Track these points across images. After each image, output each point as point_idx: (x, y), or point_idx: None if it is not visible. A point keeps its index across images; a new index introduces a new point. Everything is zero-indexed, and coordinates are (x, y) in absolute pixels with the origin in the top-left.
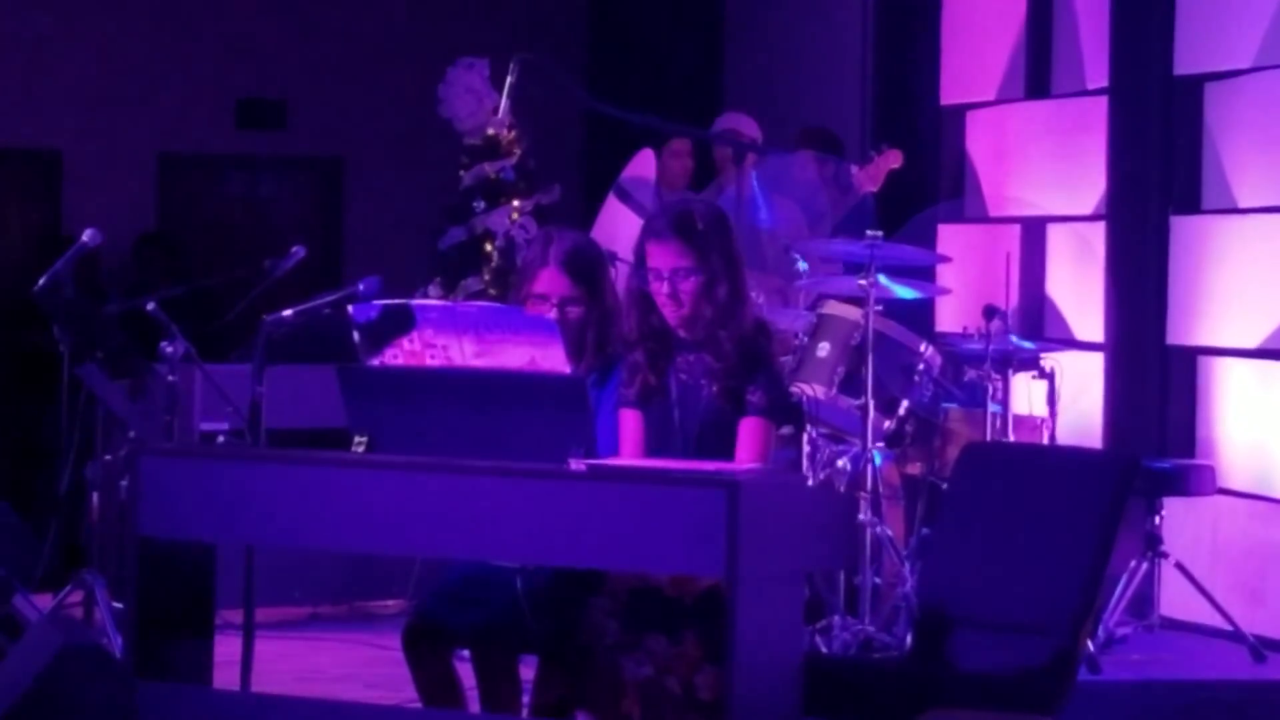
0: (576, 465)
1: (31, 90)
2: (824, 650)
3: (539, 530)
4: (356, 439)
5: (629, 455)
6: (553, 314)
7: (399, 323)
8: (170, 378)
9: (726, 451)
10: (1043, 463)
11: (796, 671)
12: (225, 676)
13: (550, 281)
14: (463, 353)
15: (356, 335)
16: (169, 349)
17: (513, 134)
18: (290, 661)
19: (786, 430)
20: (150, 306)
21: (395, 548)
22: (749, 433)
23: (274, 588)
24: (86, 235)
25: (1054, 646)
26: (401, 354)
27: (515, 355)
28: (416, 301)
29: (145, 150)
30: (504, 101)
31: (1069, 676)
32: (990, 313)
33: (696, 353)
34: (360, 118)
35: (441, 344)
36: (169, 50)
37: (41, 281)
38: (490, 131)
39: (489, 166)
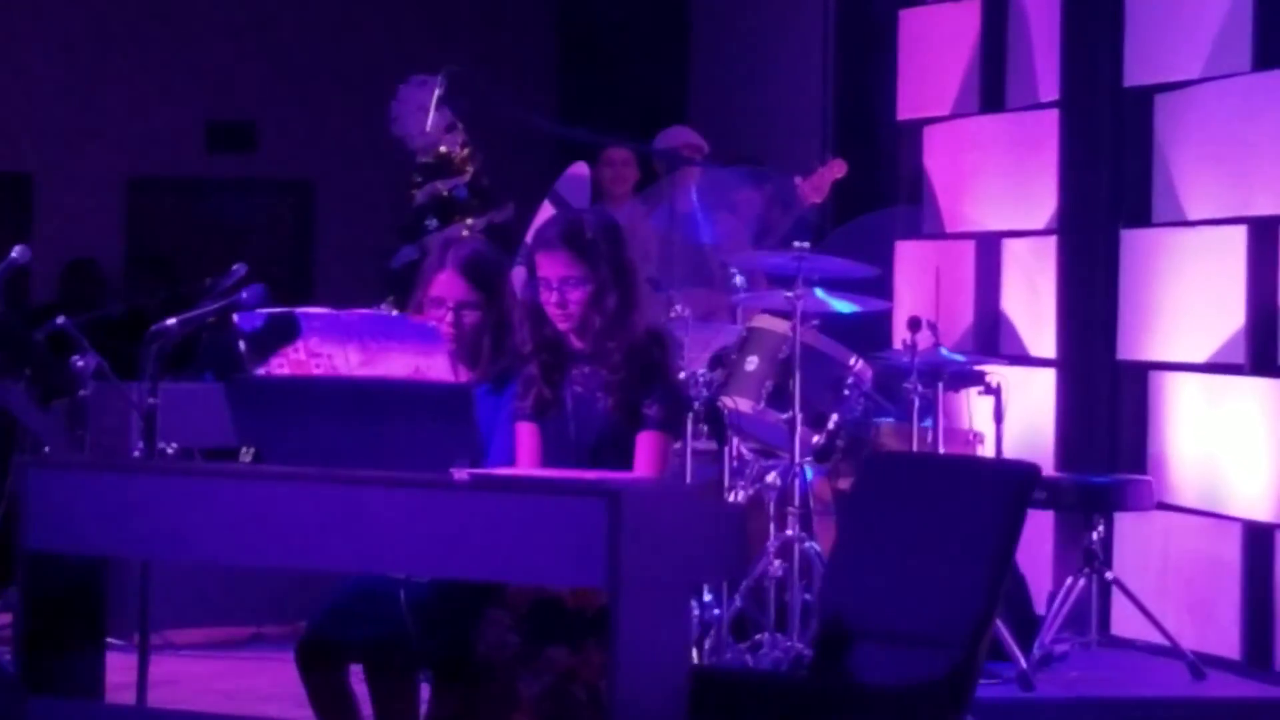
0: (460, 475)
1: (1, 114)
2: (753, 666)
3: (422, 541)
4: (244, 450)
5: (525, 468)
6: (449, 318)
7: (284, 331)
8: (81, 392)
9: (624, 465)
10: (943, 473)
11: (682, 683)
12: (156, 695)
13: (447, 285)
14: (348, 361)
15: (242, 344)
16: (80, 363)
17: (466, 152)
18: (226, 680)
19: (709, 446)
20: (60, 321)
21: (279, 559)
22: (645, 446)
23: (217, 607)
24: (15, 252)
25: (952, 659)
26: (287, 363)
27: (400, 364)
28: (301, 310)
29: (115, 174)
30: (432, 115)
31: (967, 689)
32: (915, 324)
33: (591, 365)
34: (330, 140)
35: (327, 353)
36: (138, 74)
37: None
38: (443, 149)
39: (441, 185)
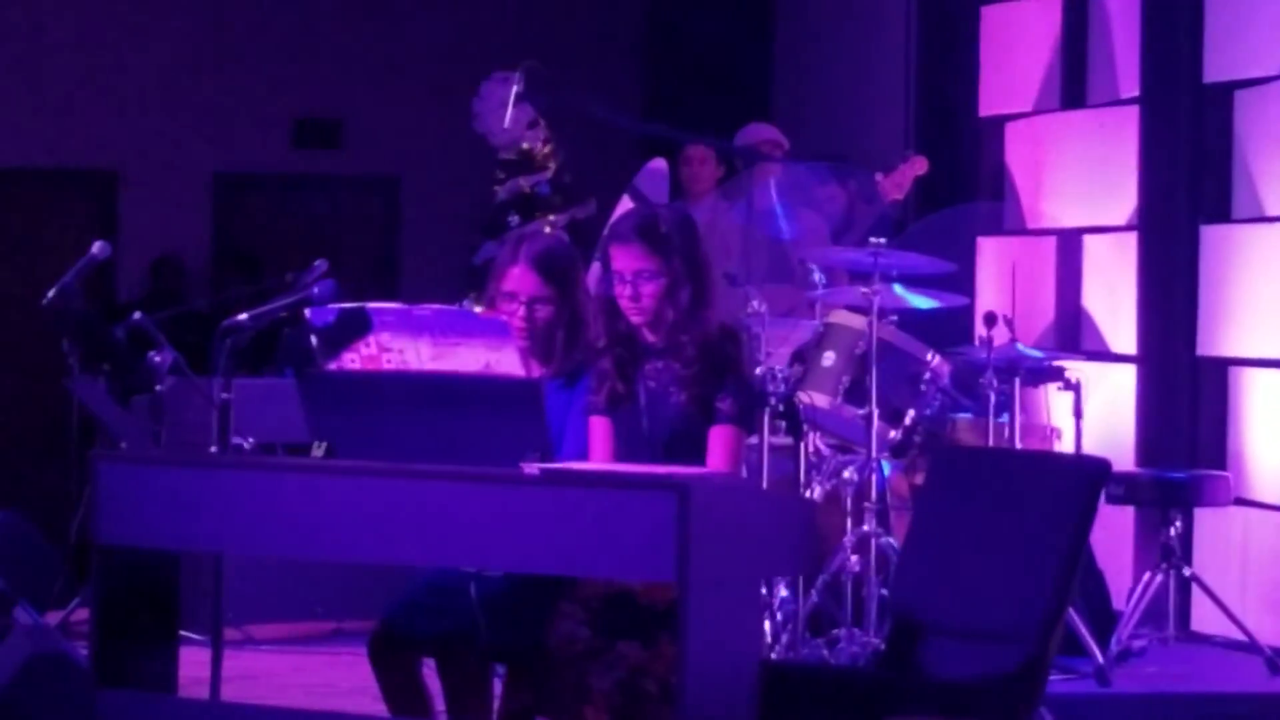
0: (530, 469)
1: (89, 111)
2: (831, 662)
3: (492, 535)
4: (316, 444)
5: (599, 461)
6: (521, 313)
7: (355, 326)
8: (158, 387)
9: (697, 459)
10: (1013, 468)
11: (751, 677)
12: (234, 690)
13: (520, 280)
14: (419, 356)
15: (314, 339)
16: (157, 359)
17: (548, 148)
18: (304, 675)
19: (786, 441)
20: (137, 316)
21: (349, 554)
22: (719, 441)
23: (296, 602)
24: (96, 248)
25: (1023, 654)
26: (359, 358)
27: (471, 358)
28: (372, 305)
29: (202, 170)
30: (510, 111)
31: (1037, 685)
32: (990, 320)
33: (664, 360)
34: (415, 136)
35: (398, 348)
36: (225, 70)
37: (50, 294)
38: (525, 146)
39: (524, 181)
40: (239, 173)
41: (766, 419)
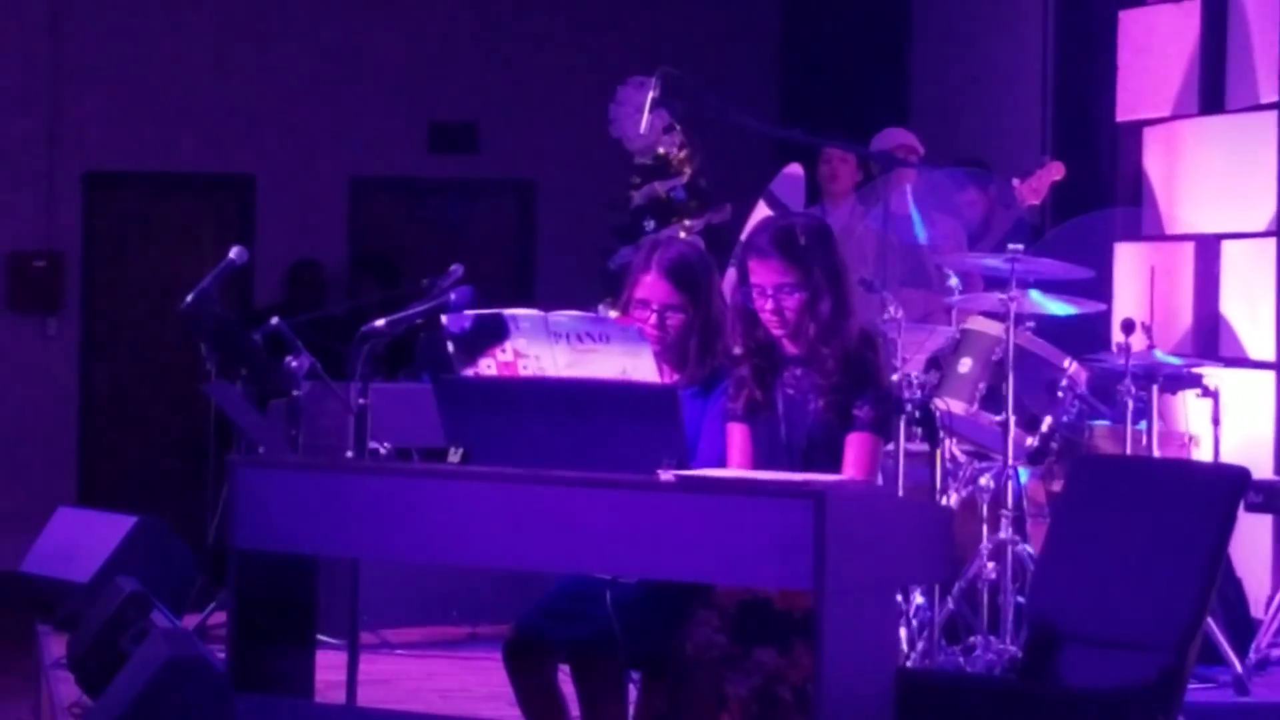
0: (666, 475)
1: (226, 116)
2: (967, 670)
3: (628, 541)
4: (452, 450)
5: (737, 467)
6: (653, 320)
7: (492, 333)
8: (295, 392)
9: (835, 466)
10: (1153, 476)
11: (888, 685)
12: (370, 694)
13: (652, 288)
14: (555, 362)
15: (450, 345)
16: (294, 364)
17: (684, 153)
18: (439, 680)
19: (922, 448)
20: (274, 321)
21: (485, 560)
22: (856, 448)
23: (432, 607)
24: (233, 253)
25: (1161, 663)
26: (495, 364)
27: (607, 365)
28: (508, 311)
29: (338, 174)
30: (646, 116)
31: (1176, 695)
32: (1128, 327)
33: (803, 367)
34: (550, 141)
35: (534, 353)
36: (361, 75)
37: (188, 299)
38: (661, 151)
39: (659, 186)
40: (375, 177)
41: (903, 426)
